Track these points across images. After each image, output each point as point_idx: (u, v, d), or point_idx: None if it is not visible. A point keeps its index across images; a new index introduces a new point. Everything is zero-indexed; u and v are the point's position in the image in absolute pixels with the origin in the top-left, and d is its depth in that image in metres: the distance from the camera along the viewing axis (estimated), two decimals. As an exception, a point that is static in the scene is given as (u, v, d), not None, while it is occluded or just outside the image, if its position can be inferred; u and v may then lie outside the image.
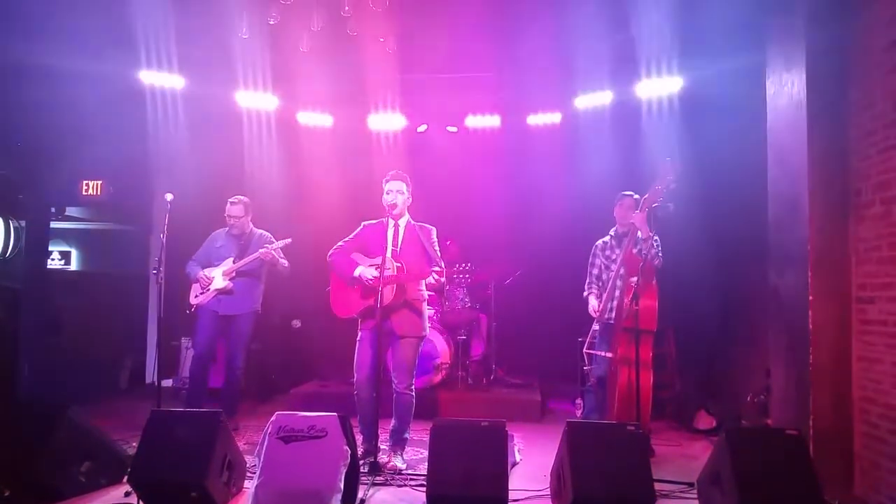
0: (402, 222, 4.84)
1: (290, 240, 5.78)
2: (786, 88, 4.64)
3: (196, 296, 5.78)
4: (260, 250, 5.68)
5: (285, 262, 5.85)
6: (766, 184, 4.91)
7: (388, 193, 4.77)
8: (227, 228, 5.95)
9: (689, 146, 6.28)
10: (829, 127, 4.34)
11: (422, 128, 8.29)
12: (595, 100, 7.33)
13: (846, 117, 4.30)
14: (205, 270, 5.80)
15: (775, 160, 4.83)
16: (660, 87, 6.66)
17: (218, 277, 5.74)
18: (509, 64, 7.01)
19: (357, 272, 4.69)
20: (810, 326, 4.27)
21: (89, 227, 9.22)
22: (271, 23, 5.88)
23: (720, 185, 6.29)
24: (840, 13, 4.33)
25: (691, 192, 5.90)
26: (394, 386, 4.76)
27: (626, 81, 6.91)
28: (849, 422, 4.21)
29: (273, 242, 5.84)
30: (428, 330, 4.97)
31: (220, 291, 5.72)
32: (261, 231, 6.04)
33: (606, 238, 5.58)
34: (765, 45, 4.94)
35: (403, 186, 4.80)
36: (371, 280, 4.59)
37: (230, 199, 5.91)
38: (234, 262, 5.78)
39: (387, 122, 8.04)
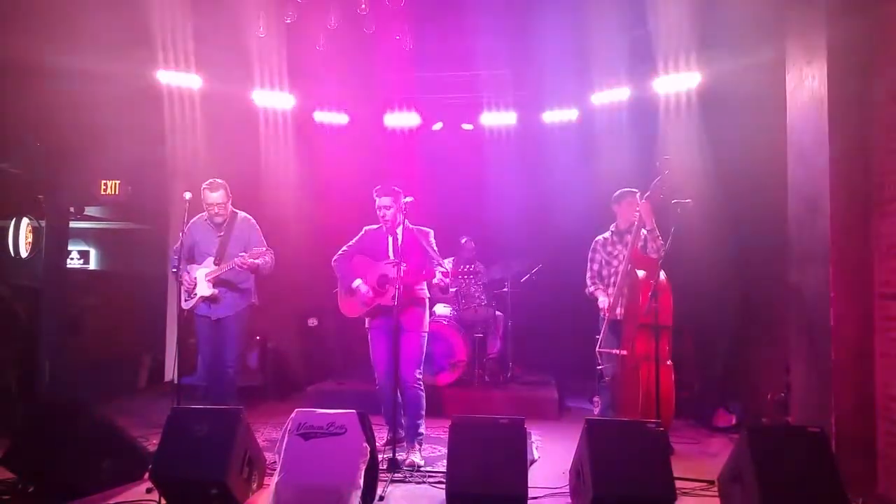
0: (400, 231, 4.97)
1: (265, 249, 5.21)
2: (806, 83, 4.58)
3: (185, 300, 5.35)
4: (235, 260, 5.15)
5: (267, 261, 5.27)
6: (786, 180, 4.85)
7: (379, 209, 4.92)
8: (204, 216, 5.40)
9: (708, 142, 6.24)
10: (851, 122, 4.27)
11: (437, 125, 8.29)
12: (612, 96, 7.28)
13: (869, 112, 4.23)
14: (189, 268, 5.34)
15: (795, 156, 4.77)
16: (677, 82, 6.59)
17: (201, 282, 5.26)
18: (525, 60, 7.00)
19: (355, 285, 4.92)
20: (832, 323, 4.22)
21: (108, 226, 9.28)
22: (288, 21, 5.91)
23: (739, 181, 6.23)
24: (862, 4, 4.25)
25: (710, 188, 5.87)
26: (402, 380, 4.83)
27: (644, 77, 6.86)
28: (872, 420, 4.15)
29: (255, 229, 5.43)
30: (428, 327, 5.07)
31: (206, 299, 5.27)
32: (243, 214, 5.50)
33: (607, 234, 5.59)
34: (785, 39, 4.88)
35: (390, 200, 4.91)
36: (366, 295, 4.87)
37: (206, 184, 5.31)
38: (215, 264, 5.29)
39: (402, 119, 8.05)
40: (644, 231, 5.18)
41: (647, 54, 6.49)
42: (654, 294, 4.78)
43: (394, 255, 4.89)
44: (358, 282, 4.91)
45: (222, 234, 5.37)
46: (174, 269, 5.19)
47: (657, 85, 6.76)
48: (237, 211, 5.49)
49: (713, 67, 6.33)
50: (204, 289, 5.25)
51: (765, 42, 5.22)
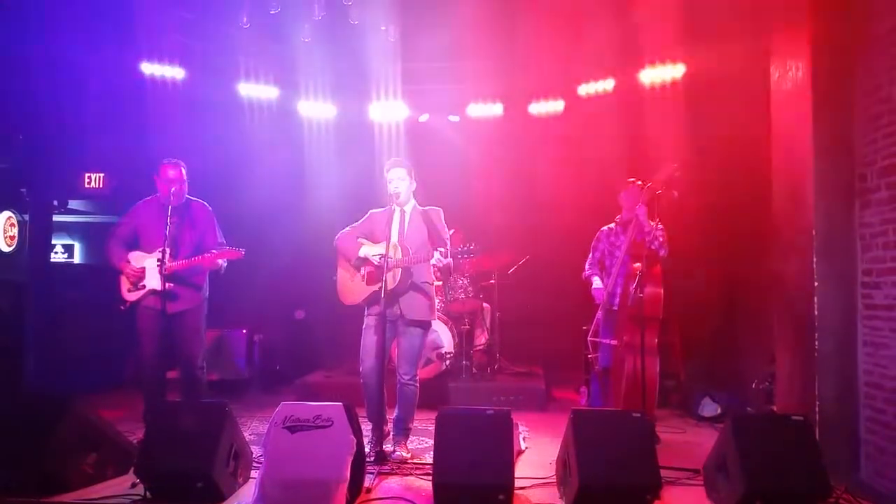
0: (409, 208, 4.81)
1: (242, 252, 4.91)
2: (790, 73, 4.61)
3: (129, 290, 4.94)
4: (205, 255, 4.85)
5: (224, 265, 5.04)
6: (771, 170, 4.88)
7: (390, 182, 4.72)
8: (153, 199, 4.99)
9: (693, 133, 6.26)
10: (834, 112, 4.31)
11: (423, 117, 8.28)
12: (598, 87, 7.29)
13: (851, 102, 4.26)
14: (132, 256, 4.92)
15: (779, 146, 4.80)
16: (663, 73, 6.61)
17: (151, 273, 4.80)
18: (511, 52, 6.99)
19: (363, 252, 4.67)
20: (815, 312, 4.26)
21: (92, 220, 9.21)
22: (272, 12, 5.87)
23: (724, 171, 6.26)
24: (846, -4, 4.29)
25: (695, 179, 5.89)
26: (398, 376, 4.75)
27: (629, 68, 6.87)
28: (854, 407, 4.20)
29: (212, 218, 5.12)
30: (434, 316, 4.95)
31: (157, 292, 4.76)
32: (199, 202, 5.17)
33: (612, 224, 5.58)
34: (769, 30, 4.91)
35: (404, 173, 4.75)
36: (377, 259, 4.57)
37: (165, 160, 4.97)
38: (171, 257, 4.78)
39: (388, 111, 8.02)
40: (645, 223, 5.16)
41: (632, 45, 6.49)
42: (638, 284, 4.80)
43: (399, 233, 4.68)
44: (365, 248, 4.66)
45: (175, 218, 4.89)
46: (157, 264, 4.72)
47: (643, 76, 6.78)
48: (192, 198, 5.15)
49: (698, 58, 6.35)
50: (154, 282, 4.80)
51: (750, 33, 5.24)
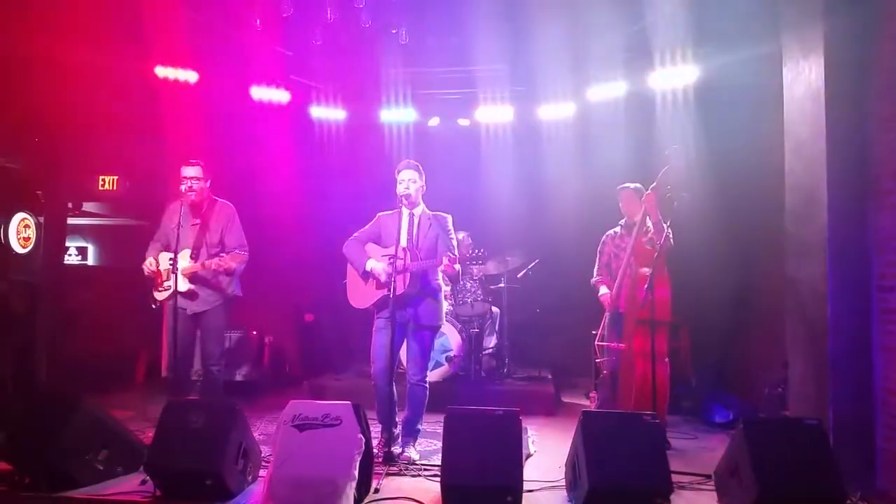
0: (418, 212, 4.81)
1: (233, 265, 4.96)
2: (803, 76, 4.57)
3: (158, 290, 5.14)
4: (213, 263, 4.91)
5: (236, 266, 5.04)
6: (783, 174, 4.84)
7: (400, 183, 4.72)
8: (179, 202, 5.06)
9: (705, 137, 6.24)
10: (848, 114, 4.26)
11: (433, 121, 8.29)
12: (608, 91, 7.26)
13: (865, 104, 4.22)
14: (162, 256, 5.10)
15: (792, 149, 4.76)
16: (674, 77, 6.57)
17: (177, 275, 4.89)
18: (521, 56, 6.99)
19: (369, 266, 4.68)
20: (829, 316, 4.20)
21: (106, 222, 9.27)
22: (285, 15, 5.90)
23: (736, 175, 6.22)
24: (859, -4, 4.26)
25: (707, 182, 5.87)
26: (407, 377, 4.76)
27: (640, 72, 6.85)
28: (870, 413, 4.13)
29: (233, 218, 5.17)
30: (444, 320, 4.95)
31: (181, 294, 4.93)
32: (223, 202, 5.25)
33: (617, 229, 5.59)
34: (781, 32, 4.87)
35: (416, 175, 4.76)
36: (384, 277, 4.59)
37: (185, 162, 5.11)
38: (191, 258, 5.01)
39: (399, 115, 8.03)
40: (649, 223, 5.15)
41: (643, 49, 6.48)
42: (650, 287, 4.77)
43: (408, 236, 4.70)
44: (372, 262, 4.67)
45: (198, 221, 5.10)
46: (169, 264, 4.90)
47: (653, 80, 6.75)
48: (217, 198, 5.26)
49: (710, 62, 6.31)
50: (180, 283, 4.91)
51: (761, 36, 5.21)
